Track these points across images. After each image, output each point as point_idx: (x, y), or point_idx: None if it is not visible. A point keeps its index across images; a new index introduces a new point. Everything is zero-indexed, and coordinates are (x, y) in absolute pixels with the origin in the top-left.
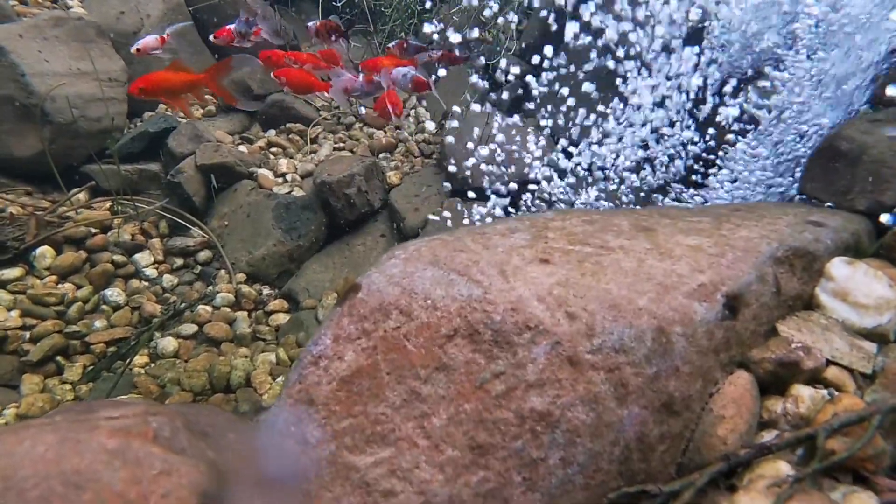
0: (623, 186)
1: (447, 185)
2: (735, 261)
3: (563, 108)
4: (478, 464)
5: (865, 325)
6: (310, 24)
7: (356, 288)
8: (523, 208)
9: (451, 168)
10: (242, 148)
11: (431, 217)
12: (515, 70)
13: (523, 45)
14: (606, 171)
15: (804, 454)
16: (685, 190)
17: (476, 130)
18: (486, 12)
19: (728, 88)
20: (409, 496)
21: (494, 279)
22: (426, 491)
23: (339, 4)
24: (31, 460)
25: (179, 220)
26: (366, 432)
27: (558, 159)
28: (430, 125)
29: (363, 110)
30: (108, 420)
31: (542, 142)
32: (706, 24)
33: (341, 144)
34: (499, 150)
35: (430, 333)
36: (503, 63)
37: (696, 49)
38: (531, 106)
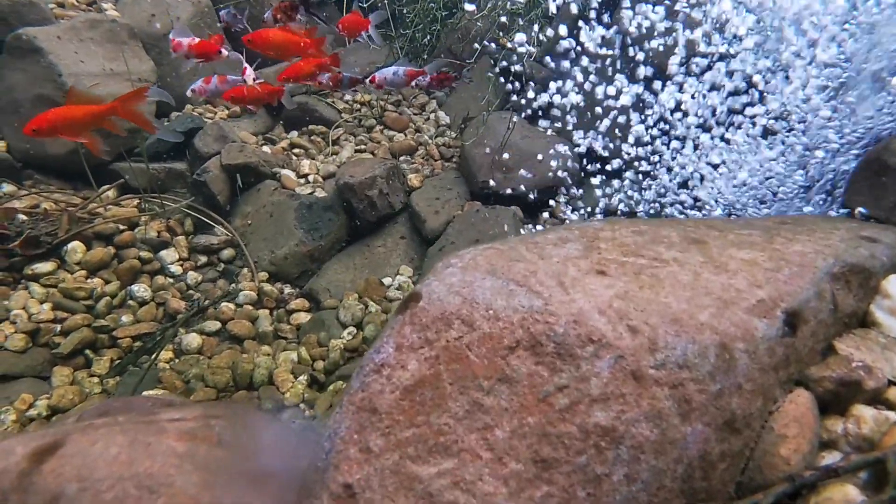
0: None
1: (467, 189)
2: (792, 276)
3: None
4: (542, 478)
5: None
6: (266, 15)
7: (416, 296)
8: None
9: (471, 172)
10: (266, 148)
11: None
12: (536, 75)
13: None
14: None
15: (869, 478)
16: None
17: (497, 135)
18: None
19: None
20: None
21: (554, 290)
22: None
23: (364, 5)
24: (105, 461)
25: (204, 219)
26: (429, 443)
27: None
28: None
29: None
30: (171, 422)
31: (564, 147)
32: None
33: (362, 146)
34: (519, 155)
35: (492, 344)
36: (524, 68)
37: None
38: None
